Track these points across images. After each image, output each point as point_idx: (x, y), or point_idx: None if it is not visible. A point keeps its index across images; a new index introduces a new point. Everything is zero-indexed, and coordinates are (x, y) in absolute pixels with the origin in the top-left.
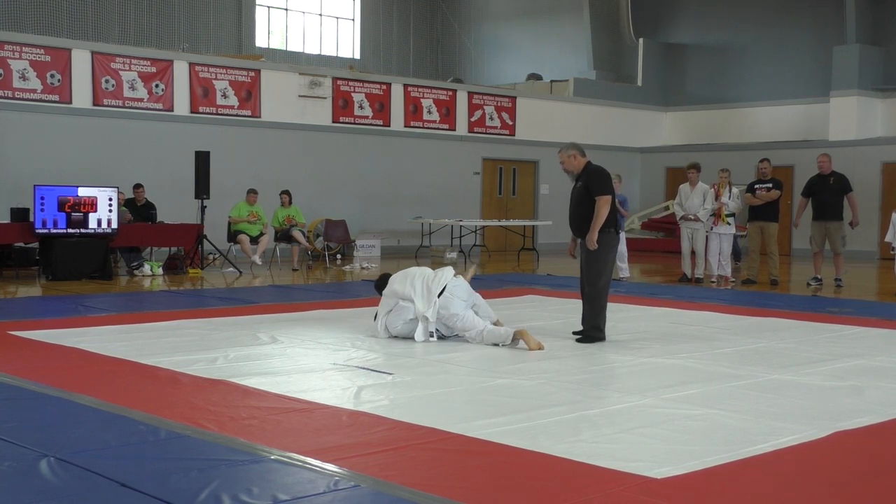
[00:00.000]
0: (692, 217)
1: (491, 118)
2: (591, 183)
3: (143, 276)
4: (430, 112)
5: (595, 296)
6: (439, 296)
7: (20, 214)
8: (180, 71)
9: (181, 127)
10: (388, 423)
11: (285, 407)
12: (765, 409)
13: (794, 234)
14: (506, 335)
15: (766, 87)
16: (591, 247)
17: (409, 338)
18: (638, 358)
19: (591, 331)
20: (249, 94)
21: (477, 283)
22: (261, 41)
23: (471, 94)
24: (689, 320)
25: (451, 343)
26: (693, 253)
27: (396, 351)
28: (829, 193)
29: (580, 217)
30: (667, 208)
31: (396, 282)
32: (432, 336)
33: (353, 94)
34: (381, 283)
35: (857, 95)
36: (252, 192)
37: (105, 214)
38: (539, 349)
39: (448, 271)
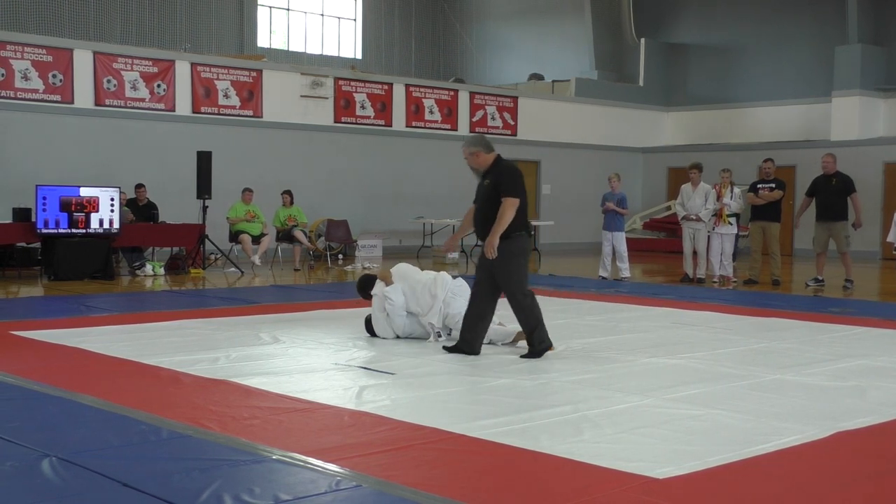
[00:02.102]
0: (694, 217)
1: (493, 118)
2: (501, 182)
3: (145, 276)
4: (431, 112)
5: (525, 307)
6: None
7: (22, 214)
8: (182, 71)
9: (183, 127)
10: (390, 424)
11: (287, 407)
12: (767, 410)
13: (795, 234)
14: (506, 334)
15: (767, 86)
16: (488, 254)
17: (414, 338)
18: (640, 358)
19: (537, 344)
20: (251, 94)
21: None
22: (262, 41)
23: (472, 94)
24: (690, 320)
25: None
26: (695, 253)
27: (398, 351)
28: (831, 194)
29: (484, 219)
30: (668, 208)
31: (393, 291)
32: (440, 336)
33: (354, 95)
34: (367, 283)
35: (859, 95)
36: (247, 190)
37: (107, 214)
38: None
39: (446, 276)
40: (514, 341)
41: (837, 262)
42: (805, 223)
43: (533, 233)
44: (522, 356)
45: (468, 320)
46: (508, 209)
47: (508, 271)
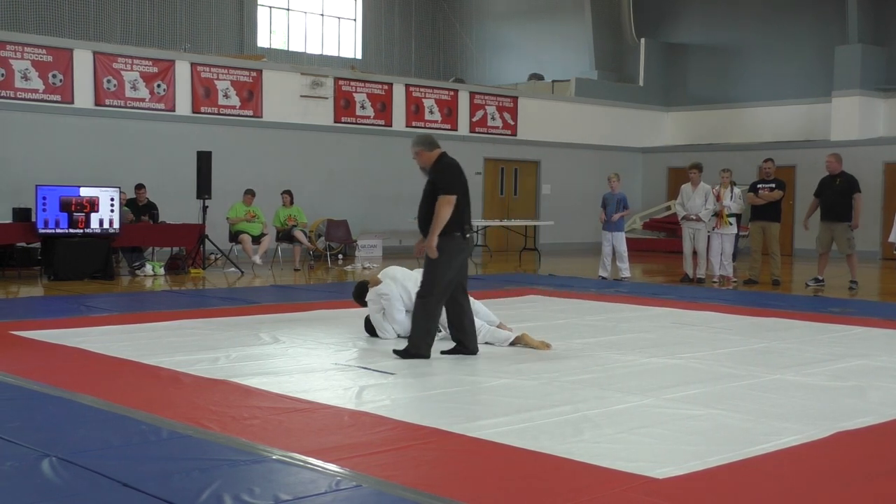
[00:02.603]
0: (694, 217)
1: (493, 118)
2: (437, 179)
3: (145, 276)
4: (431, 112)
5: (426, 305)
6: None
7: (22, 214)
8: (182, 71)
9: (183, 127)
10: (390, 423)
11: (287, 407)
12: (766, 410)
13: (796, 234)
14: (504, 338)
15: (767, 87)
16: (430, 253)
17: None
18: (640, 358)
19: (413, 346)
20: (251, 94)
21: (479, 284)
22: (262, 41)
23: (472, 94)
24: (690, 320)
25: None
26: (695, 253)
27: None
28: (834, 194)
29: (424, 217)
30: (668, 208)
31: (386, 286)
32: (440, 331)
33: (354, 95)
34: (362, 291)
35: (859, 95)
36: (249, 193)
37: (107, 214)
38: (545, 349)
39: None
40: (513, 345)
41: (838, 262)
42: (813, 224)
43: (470, 234)
44: (395, 350)
45: (452, 320)
46: (443, 207)
47: (428, 270)
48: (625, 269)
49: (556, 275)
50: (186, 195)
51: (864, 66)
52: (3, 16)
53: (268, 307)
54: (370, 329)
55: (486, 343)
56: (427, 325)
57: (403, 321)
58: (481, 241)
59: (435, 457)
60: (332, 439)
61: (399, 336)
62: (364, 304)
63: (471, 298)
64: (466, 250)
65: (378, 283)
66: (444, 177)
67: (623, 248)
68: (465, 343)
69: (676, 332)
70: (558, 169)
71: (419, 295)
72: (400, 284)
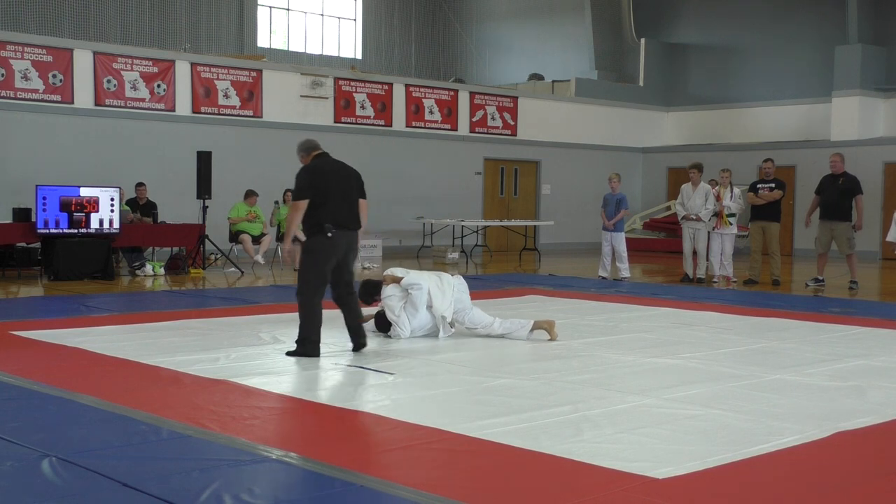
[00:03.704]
0: (694, 217)
1: (493, 118)
2: (295, 184)
3: (145, 276)
4: (431, 112)
5: (302, 304)
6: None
7: (22, 214)
8: (182, 71)
9: (183, 127)
10: (390, 424)
11: (287, 407)
12: (767, 410)
13: (796, 234)
14: (521, 325)
15: (767, 86)
16: (283, 257)
17: (424, 336)
18: (640, 358)
19: (299, 343)
20: (251, 94)
21: (479, 283)
22: (262, 41)
23: (472, 95)
24: (690, 320)
25: (453, 343)
26: (695, 253)
27: (398, 351)
28: (836, 194)
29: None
30: (668, 208)
31: (418, 276)
32: (452, 327)
33: (354, 95)
34: (373, 288)
35: (859, 95)
36: (252, 193)
37: (107, 214)
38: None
39: (446, 275)
40: (532, 330)
41: (838, 262)
42: (812, 223)
43: (332, 232)
44: (287, 352)
45: (345, 319)
46: (290, 212)
47: (300, 270)
48: (624, 270)
49: (555, 275)
50: (186, 195)
51: (864, 66)
52: (3, 16)
53: (268, 307)
54: (381, 326)
55: (503, 336)
56: (307, 323)
57: (424, 314)
58: (481, 241)
59: (435, 457)
60: (332, 439)
61: (412, 337)
62: (370, 303)
63: (477, 310)
64: (338, 249)
65: (394, 280)
66: (297, 182)
67: (622, 248)
68: (352, 340)
69: (676, 332)
70: (558, 169)
71: (298, 292)
72: (426, 278)
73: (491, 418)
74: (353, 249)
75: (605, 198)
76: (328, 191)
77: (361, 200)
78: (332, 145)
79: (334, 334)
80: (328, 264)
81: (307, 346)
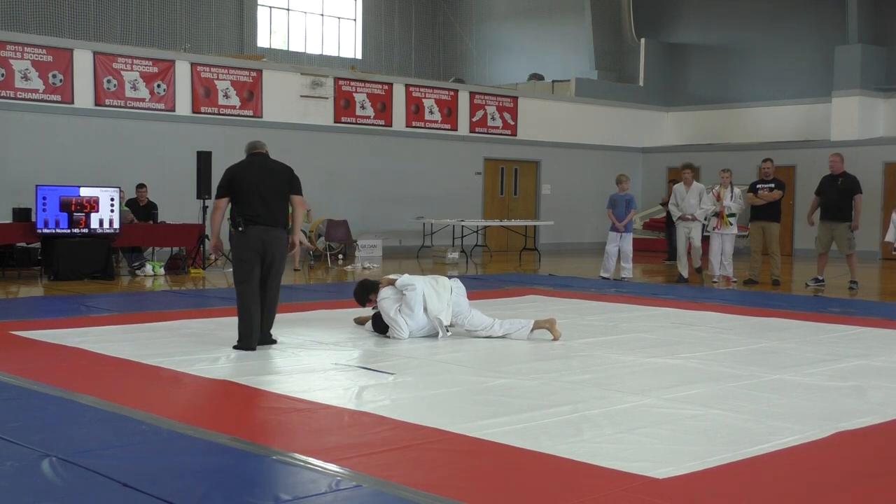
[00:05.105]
0: (690, 217)
1: (493, 118)
2: None
3: (145, 276)
4: (431, 112)
5: (238, 301)
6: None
7: (22, 214)
8: (182, 71)
9: (183, 127)
10: (390, 423)
11: (287, 407)
12: (766, 409)
13: (796, 234)
14: (521, 326)
15: (767, 87)
16: (211, 252)
17: (424, 336)
18: (640, 358)
19: (238, 340)
20: (251, 94)
21: (479, 284)
22: (262, 41)
23: (472, 95)
24: (690, 320)
25: (453, 343)
26: (690, 249)
27: (398, 351)
28: (835, 194)
29: None
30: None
31: (412, 278)
32: (448, 330)
33: (354, 95)
34: (369, 288)
35: (859, 95)
36: None
37: (107, 214)
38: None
39: (443, 277)
40: (533, 330)
41: (838, 262)
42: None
43: (242, 227)
44: (235, 346)
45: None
46: (212, 211)
47: (233, 266)
48: (627, 270)
49: (555, 275)
50: (186, 195)
51: (864, 66)
52: (3, 16)
53: None
54: (379, 327)
55: (504, 336)
56: (238, 316)
57: (421, 315)
58: (481, 241)
59: (435, 457)
60: (332, 439)
61: (409, 335)
62: (364, 304)
63: (476, 312)
64: (252, 243)
65: (389, 283)
66: (220, 181)
67: (630, 248)
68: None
69: (676, 332)
70: (558, 169)
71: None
72: (422, 281)
73: (491, 418)
74: (276, 247)
75: (612, 198)
76: (242, 188)
77: (295, 197)
78: (332, 145)
79: (334, 334)
80: (246, 258)
81: (242, 341)
